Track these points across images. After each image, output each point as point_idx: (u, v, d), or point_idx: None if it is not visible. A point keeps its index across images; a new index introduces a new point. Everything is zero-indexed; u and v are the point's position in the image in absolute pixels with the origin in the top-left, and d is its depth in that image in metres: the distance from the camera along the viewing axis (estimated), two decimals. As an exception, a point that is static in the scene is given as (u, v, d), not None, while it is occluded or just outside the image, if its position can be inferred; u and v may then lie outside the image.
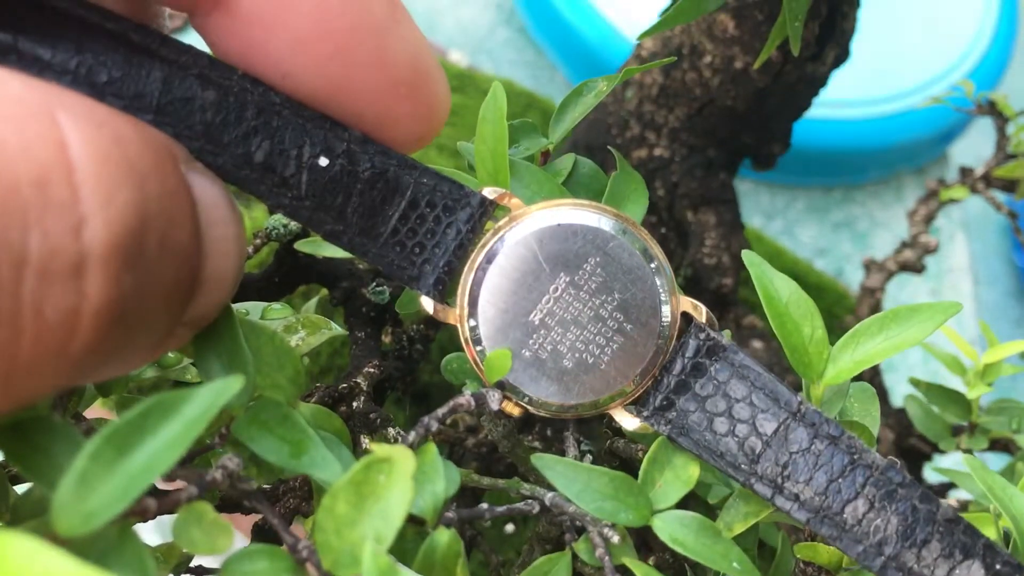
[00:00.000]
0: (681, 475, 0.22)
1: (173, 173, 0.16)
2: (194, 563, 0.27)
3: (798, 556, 0.25)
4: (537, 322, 0.22)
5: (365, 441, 0.27)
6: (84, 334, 0.14)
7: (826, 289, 0.73)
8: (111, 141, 0.14)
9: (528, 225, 0.22)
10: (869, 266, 0.53)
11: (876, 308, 0.52)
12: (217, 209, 0.18)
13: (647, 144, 0.44)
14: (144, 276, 0.15)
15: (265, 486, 0.28)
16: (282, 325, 0.27)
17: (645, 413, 0.23)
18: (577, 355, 0.22)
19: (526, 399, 0.22)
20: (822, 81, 0.41)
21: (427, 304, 0.22)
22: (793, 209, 0.86)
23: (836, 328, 0.58)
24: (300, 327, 0.27)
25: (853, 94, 0.79)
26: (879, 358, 0.24)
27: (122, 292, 0.14)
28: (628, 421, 0.23)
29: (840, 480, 0.22)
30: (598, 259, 0.23)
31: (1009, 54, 0.85)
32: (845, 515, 0.22)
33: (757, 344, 0.48)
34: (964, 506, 0.34)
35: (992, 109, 0.51)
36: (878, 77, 0.81)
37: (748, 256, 0.25)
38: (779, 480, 0.22)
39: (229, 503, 0.26)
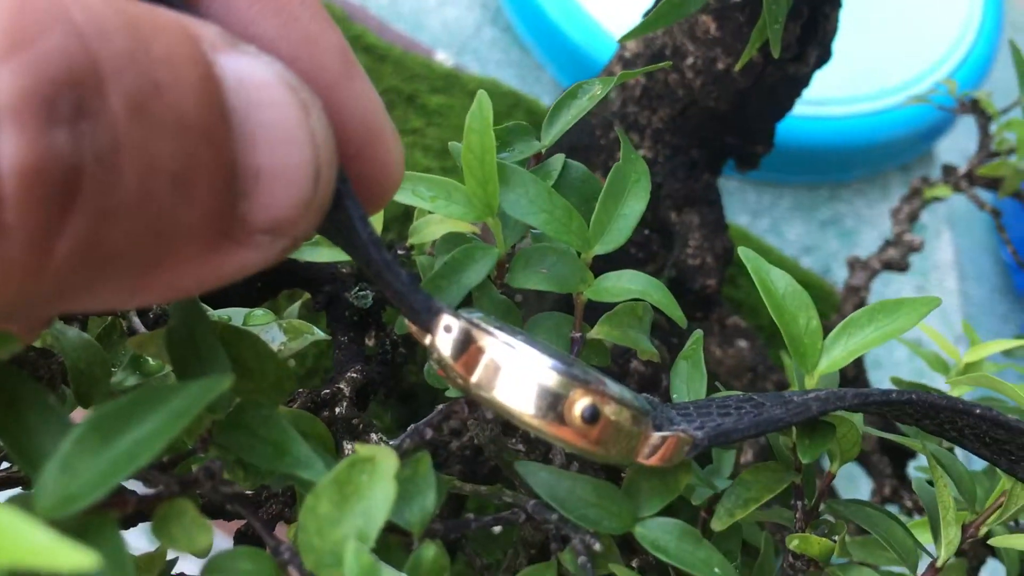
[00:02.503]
0: (669, 482, 0.22)
1: (161, 37, 0.14)
2: (176, 571, 0.27)
3: (789, 548, 0.25)
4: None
5: (348, 447, 0.27)
6: (13, 199, 0.12)
7: (812, 287, 0.73)
8: None
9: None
10: (853, 265, 0.53)
11: (861, 306, 0.52)
12: (266, 89, 0.15)
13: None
14: (112, 140, 0.13)
15: (248, 492, 0.28)
16: (264, 331, 0.27)
17: None
18: None
19: None
20: (804, 81, 0.41)
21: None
22: (779, 207, 0.86)
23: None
24: (282, 332, 0.27)
25: (838, 92, 0.80)
26: (869, 347, 0.25)
27: (59, 152, 0.13)
28: None
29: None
30: None
31: (994, 51, 0.85)
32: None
33: (742, 343, 0.48)
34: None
35: (975, 107, 0.51)
36: (864, 75, 0.82)
37: (744, 252, 0.26)
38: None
39: (211, 508, 0.26)
